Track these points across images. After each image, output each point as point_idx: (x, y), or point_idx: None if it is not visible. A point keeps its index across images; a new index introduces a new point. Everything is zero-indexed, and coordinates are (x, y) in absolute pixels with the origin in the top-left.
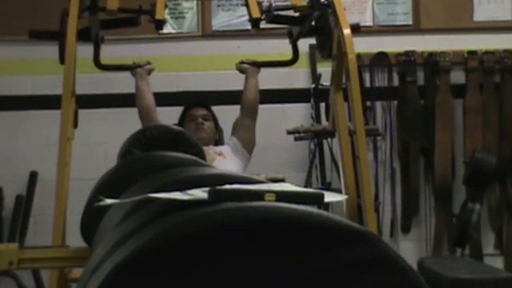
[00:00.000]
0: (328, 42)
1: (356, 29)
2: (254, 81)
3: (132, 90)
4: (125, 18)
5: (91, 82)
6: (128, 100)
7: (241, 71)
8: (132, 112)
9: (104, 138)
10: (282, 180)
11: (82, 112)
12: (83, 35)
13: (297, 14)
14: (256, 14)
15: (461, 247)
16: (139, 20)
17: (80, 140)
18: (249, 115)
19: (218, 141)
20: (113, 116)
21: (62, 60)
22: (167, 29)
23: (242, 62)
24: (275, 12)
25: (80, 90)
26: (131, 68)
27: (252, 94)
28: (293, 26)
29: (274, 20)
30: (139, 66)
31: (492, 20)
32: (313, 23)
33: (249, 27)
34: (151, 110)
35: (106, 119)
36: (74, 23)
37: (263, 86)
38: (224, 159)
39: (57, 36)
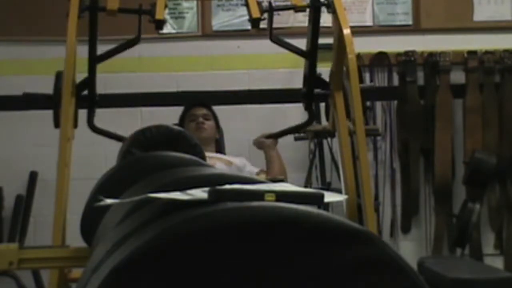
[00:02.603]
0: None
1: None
2: (275, 153)
3: (132, 90)
4: (122, 44)
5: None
6: (128, 100)
7: (259, 147)
8: (132, 112)
9: (104, 138)
10: (282, 180)
11: (82, 112)
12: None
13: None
14: (256, 14)
15: (461, 247)
16: (138, 39)
17: (80, 140)
18: None
19: (219, 141)
20: (113, 116)
21: (56, 124)
22: (167, 29)
23: (260, 137)
24: (276, 12)
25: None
26: None
27: (277, 167)
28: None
29: (279, 44)
30: None
31: (492, 20)
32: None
33: (249, 27)
34: None
35: (106, 119)
36: (74, 22)
37: (263, 86)
38: (225, 166)
39: (51, 100)
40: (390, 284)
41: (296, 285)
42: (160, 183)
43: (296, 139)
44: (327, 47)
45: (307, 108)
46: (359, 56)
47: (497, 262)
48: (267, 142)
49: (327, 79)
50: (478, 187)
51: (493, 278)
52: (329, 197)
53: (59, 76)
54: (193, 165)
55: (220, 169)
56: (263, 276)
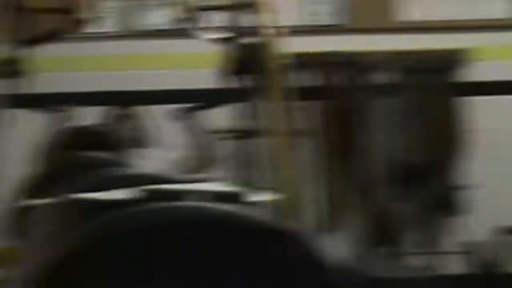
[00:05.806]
0: None
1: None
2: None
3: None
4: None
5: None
6: (55, 100)
7: None
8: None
9: None
10: (208, 180)
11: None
12: None
13: None
14: (181, 14)
15: (387, 245)
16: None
17: None
18: None
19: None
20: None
21: None
22: (93, 28)
23: None
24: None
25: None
26: None
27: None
28: None
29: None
30: None
31: (418, 20)
32: None
33: (174, 27)
34: None
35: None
36: None
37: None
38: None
39: None
40: (311, 281)
41: (220, 285)
42: (84, 183)
43: (222, 138)
44: None
45: None
46: (287, 57)
47: (422, 261)
48: None
49: None
50: (404, 186)
51: (415, 277)
52: (256, 196)
53: None
54: (117, 165)
55: (146, 169)
56: (188, 276)
